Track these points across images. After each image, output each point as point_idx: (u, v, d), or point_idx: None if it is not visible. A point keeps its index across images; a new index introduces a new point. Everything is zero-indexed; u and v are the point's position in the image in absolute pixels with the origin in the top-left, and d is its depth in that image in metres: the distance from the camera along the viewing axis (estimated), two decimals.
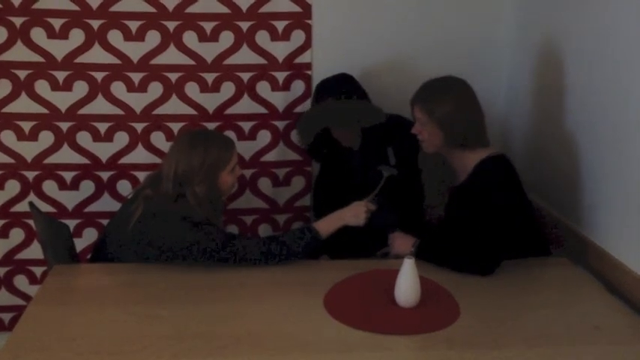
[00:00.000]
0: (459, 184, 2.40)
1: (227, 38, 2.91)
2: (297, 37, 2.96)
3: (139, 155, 2.99)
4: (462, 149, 2.35)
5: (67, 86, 2.89)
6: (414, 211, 2.74)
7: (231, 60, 2.94)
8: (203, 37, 2.90)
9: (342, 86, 2.65)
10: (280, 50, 2.96)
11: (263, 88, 2.99)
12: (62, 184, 2.99)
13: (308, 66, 2.99)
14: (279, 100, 3.01)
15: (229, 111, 3.00)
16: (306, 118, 2.69)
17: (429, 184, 2.49)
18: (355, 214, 2.35)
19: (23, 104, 2.88)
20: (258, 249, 2.26)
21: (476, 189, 2.29)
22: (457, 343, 1.83)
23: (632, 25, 2.07)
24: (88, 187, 3.01)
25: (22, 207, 2.94)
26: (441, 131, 2.31)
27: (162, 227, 2.24)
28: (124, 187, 3.00)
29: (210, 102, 2.98)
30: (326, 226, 2.34)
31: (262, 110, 3.01)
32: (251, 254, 2.25)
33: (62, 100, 2.90)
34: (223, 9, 2.88)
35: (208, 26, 2.89)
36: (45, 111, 2.90)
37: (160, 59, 2.90)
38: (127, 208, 2.33)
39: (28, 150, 2.94)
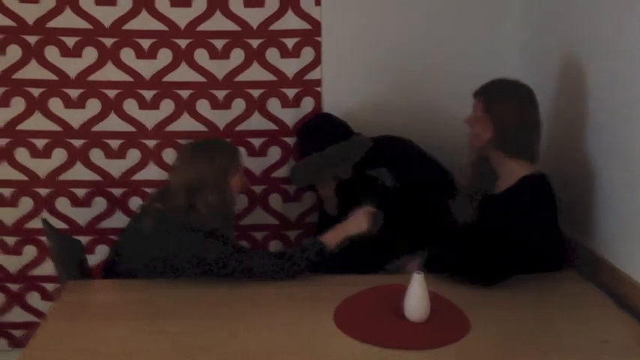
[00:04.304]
0: (498, 193, 2.37)
1: (238, 55, 2.94)
2: (307, 54, 2.98)
3: (151, 172, 3.01)
4: (505, 156, 2.32)
5: (80, 104, 2.92)
6: (419, 222, 2.74)
7: (242, 77, 2.96)
8: (214, 54, 2.93)
9: (320, 138, 2.72)
10: (290, 67, 2.99)
11: (273, 105, 3.01)
12: (75, 201, 3.02)
13: (318, 82, 3.01)
14: (290, 116, 3.03)
15: (240, 127, 3.02)
16: (296, 173, 2.79)
17: (468, 186, 2.45)
18: (357, 221, 2.36)
19: (37, 122, 2.92)
20: (267, 263, 2.27)
21: (511, 204, 2.27)
22: (467, 357, 1.83)
23: None
24: (100, 204, 3.04)
25: (35, 224, 2.97)
26: (492, 128, 2.29)
27: (173, 240, 2.25)
28: (136, 204, 2.99)
29: (221, 118, 3.00)
30: (331, 238, 2.34)
31: (272, 127, 3.03)
32: (260, 268, 2.26)
33: (75, 118, 2.94)
34: (234, 27, 2.91)
35: (219, 44, 2.92)
36: (58, 128, 2.94)
37: (171, 77, 2.93)
38: (137, 224, 2.35)
39: (42, 167, 2.97)
